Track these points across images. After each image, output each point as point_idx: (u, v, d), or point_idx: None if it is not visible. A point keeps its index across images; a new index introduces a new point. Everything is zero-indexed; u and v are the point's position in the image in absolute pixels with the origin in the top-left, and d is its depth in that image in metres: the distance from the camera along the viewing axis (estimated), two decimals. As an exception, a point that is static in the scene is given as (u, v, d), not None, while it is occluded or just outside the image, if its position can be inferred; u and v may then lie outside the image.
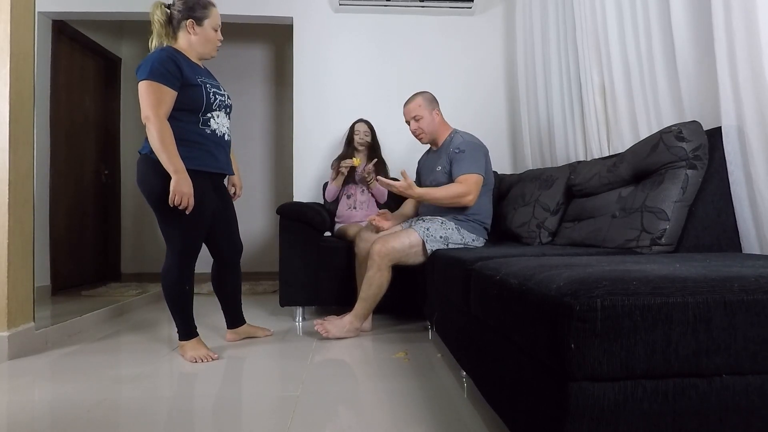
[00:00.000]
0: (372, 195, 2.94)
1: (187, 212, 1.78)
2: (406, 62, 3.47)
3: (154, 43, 1.91)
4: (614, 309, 0.71)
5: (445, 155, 2.24)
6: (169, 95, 1.77)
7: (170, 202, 1.73)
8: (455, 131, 2.31)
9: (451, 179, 2.19)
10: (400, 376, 1.66)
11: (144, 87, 1.75)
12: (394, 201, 3.14)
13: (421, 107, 2.28)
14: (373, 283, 2.13)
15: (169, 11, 1.91)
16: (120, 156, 4.45)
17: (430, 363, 1.81)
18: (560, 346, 0.73)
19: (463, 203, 2.13)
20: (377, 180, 2.03)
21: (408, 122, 2.34)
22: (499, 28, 3.54)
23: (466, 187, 2.11)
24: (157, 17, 1.88)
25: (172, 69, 1.78)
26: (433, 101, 2.32)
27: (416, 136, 2.35)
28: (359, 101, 3.42)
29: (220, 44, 1.98)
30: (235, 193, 2.18)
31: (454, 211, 2.19)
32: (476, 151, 2.19)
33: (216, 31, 1.95)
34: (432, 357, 1.89)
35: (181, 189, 1.73)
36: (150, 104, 1.73)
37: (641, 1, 1.93)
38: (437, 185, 2.24)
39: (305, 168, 3.40)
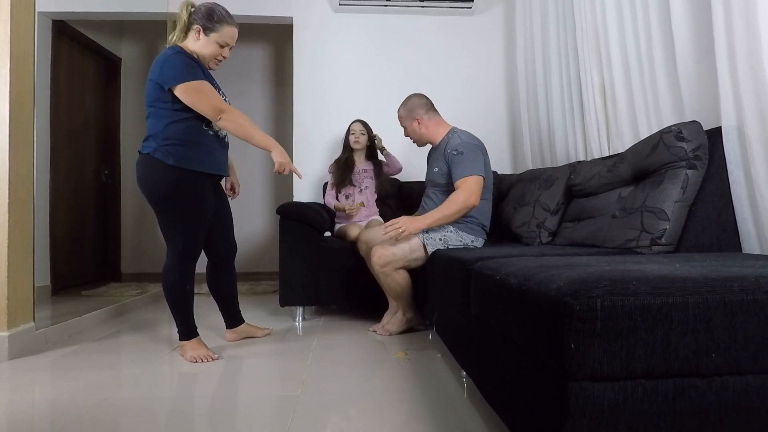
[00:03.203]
0: (386, 171, 2.96)
1: (286, 171, 1.93)
2: (406, 62, 3.47)
3: (174, 38, 1.92)
4: (614, 309, 0.71)
5: (441, 156, 2.21)
6: (208, 85, 1.83)
7: (277, 170, 1.91)
8: (453, 131, 2.25)
9: (448, 181, 2.17)
10: (400, 376, 1.66)
11: (187, 89, 1.77)
12: (395, 200, 3.14)
13: (402, 119, 2.32)
14: (390, 286, 2.18)
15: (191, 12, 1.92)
16: (120, 156, 4.44)
17: (430, 363, 1.82)
18: (560, 346, 0.73)
19: (470, 206, 2.07)
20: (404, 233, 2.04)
21: None
22: (499, 28, 3.54)
23: (467, 191, 2.05)
24: (183, 16, 1.90)
25: (193, 64, 1.83)
26: (413, 110, 2.27)
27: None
28: (359, 101, 3.42)
29: (221, 60, 1.96)
30: (234, 191, 2.21)
31: None
32: (473, 151, 2.11)
33: (222, 47, 1.92)
34: (432, 357, 1.89)
35: (284, 158, 1.90)
36: (208, 101, 1.80)
37: (641, 1, 1.93)
38: (435, 186, 2.25)
39: (305, 168, 3.40)
